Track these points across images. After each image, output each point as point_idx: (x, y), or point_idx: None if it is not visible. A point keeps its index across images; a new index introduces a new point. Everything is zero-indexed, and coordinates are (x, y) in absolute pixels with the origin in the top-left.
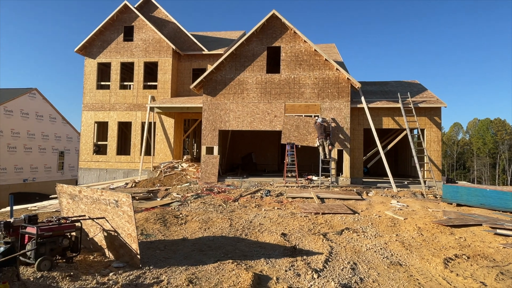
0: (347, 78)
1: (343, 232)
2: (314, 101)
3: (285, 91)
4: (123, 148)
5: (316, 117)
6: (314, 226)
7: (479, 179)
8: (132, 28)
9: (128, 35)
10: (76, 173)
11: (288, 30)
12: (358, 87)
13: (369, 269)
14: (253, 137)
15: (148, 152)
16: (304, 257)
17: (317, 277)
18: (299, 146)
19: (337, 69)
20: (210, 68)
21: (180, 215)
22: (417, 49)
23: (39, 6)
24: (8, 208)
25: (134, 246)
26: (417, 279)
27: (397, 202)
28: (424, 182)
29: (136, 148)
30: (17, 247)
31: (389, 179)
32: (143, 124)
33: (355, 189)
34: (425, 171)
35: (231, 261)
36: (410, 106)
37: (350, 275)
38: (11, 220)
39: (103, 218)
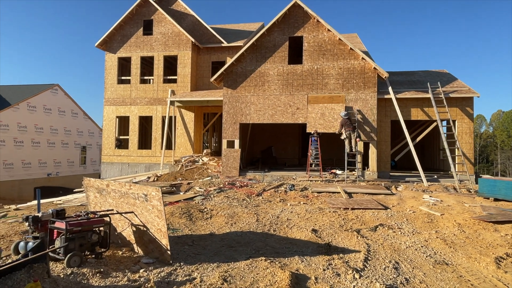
0: (374, 68)
1: (377, 228)
2: (338, 92)
3: (307, 82)
4: (144, 142)
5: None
6: (345, 222)
7: (503, 173)
8: (152, 22)
9: (148, 29)
10: (98, 167)
11: (310, 19)
12: (385, 77)
13: (413, 268)
14: (273, 130)
15: (168, 146)
16: (341, 255)
17: (359, 277)
18: (317, 137)
19: (363, 58)
20: (229, 60)
21: (205, 210)
22: (437, 39)
23: (59, 3)
24: (34, 202)
25: (164, 242)
26: (469, 280)
27: (430, 196)
28: (457, 175)
29: (157, 142)
30: (47, 243)
31: (417, 173)
32: (163, 118)
33: (383, 184)
34: (457, 164)
35: (263, 258)
36: (440, 96)
37: (394, 275)
38: (39, 215)
39: (132, 212)
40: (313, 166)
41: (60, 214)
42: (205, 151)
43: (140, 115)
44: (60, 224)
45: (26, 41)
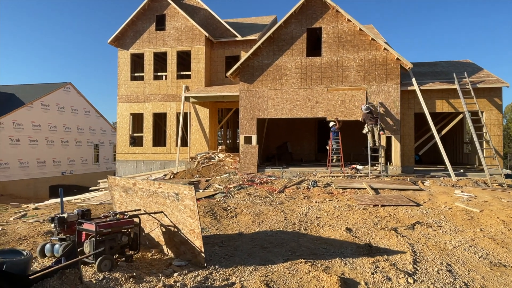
0: (396, 59)
1: (415, 226)
2: (359, 84)
3: (327, 75)
4: (158, 139)
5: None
6: (379, 220)
7: None
8: (164, 17)
9: (160, 24)
10: (111, 165)
11: (329, 9)
12: (409, 68)
13: (468, 271)
14: (288, 125)
15: (183, 143)
16: (385, 256)
17: (413, 282)
18: (338, 130)
19: (385, 49)
20: (243, 55)
21: (228, 208)
22: (456, 29)
23: (70, 1)
24: (52, 201)
25: (198, 244)
26: None
27: (462, 192)
28: (482, 169)
29: (171, 139)
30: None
31: (442, 167)
32: (177, 114)
33: (408, 179)
34: (486, 158)
35: (303, 260)
36: (467, 87)
37: (451, 279)
38: (65, 216)
39: (161, 212)
40: (333, 161)
41: (86, 214)
42: (219, 147)
43: (154, 112)
44: (89, 226)
45: (37, 40)
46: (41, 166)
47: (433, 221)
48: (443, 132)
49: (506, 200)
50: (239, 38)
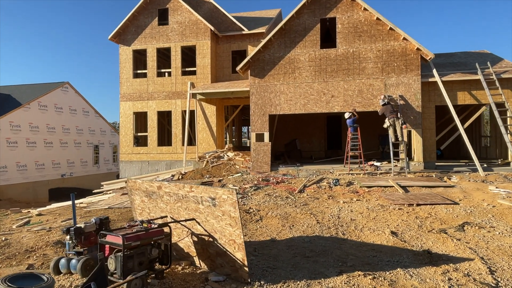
0: (417, 49)
1: (464, 228)
2: (377, 76)
3: (342, 67)
4: (163, 138)
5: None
6: (421, 221)
7: None
8: (167, 11)
9: (163, 19)
10: (112, 166)
11: None
12: (429, 58)
13: None
14: (296, 122)
15: (189, 142)
16: (452, 265)
17: None
18: (357, 125)
19: (404, 38)
20: (250, 49)
21: (251, 210)
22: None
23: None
24: (55, 205)
25: (239, 256)
26: None
27: (496, 188)
28: (509, 164)
29: (177, 138)
30: (105, 265)
31: (465, 162)
32: (183, 112)
33: (433, 175)
34: None
35: (360, 273)
36: (492, 77)
37: None
38: (82, 226)
39: (193, 219)
40: (353, 158)
41: (104, 223)
42: (227, 146)
43: (158, 110)
44: (115, 239)
45: (33, 39)
46: (40, 169)
47: (482, 221)
48: (466, 124)
49: None
50: (246, 31)
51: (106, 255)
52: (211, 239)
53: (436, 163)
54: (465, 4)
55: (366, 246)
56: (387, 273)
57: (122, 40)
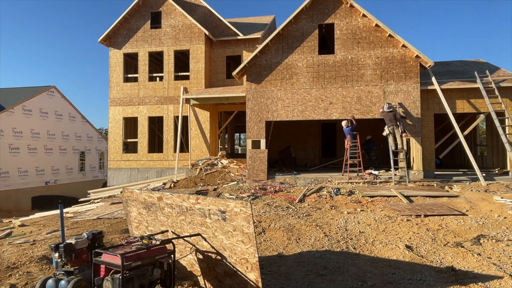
0: (416, 56)
1: (481, 241)
2: (376, 83)
3: (341, 74)
4: (154, 145)
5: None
6: (433, 233)
7: None
8: (160, 14)
9: (156, 22)
10: (98, 173)
11: (343, 3)
12: (429, 66)
13: None
14: (291, 129)
15: (181, 148)
16: (480, 283)
17: None
18: (356, 133)
19: (403, 45)
20: (246, 54)
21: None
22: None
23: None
24: (38, 215)
25: (253, 277)
26: None
27: (501, 198)
28: (507, 173)
29: (169, 145)
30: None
31: (463, 171)
32: (175, 118)
33: (434, 184)
34: None
35: None
36: (491, 85)
37: None
38: (73, 242)
39: (198, 234)
40: (351, 166)
41: (97, 239)
42: (220, 153)
43: (149, 115)
44: (112, 258)
45: (18, 41)
46: (23, 176)
47: (497, 233)
48: (465, 133)
49: None
50: (241, 36)
51: (102, 276)
52: (219, 257)
53: (436, 172)
54: (450, 13)
55: (382, 262)
56: None
57: (112, 43)
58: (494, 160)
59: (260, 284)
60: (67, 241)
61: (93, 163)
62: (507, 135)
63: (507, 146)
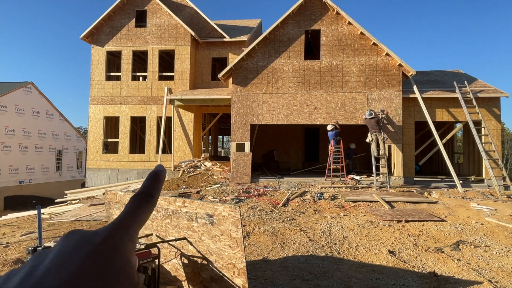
0: (399, 65)
1: (460, 246)
2: (359, 90)
3: (326, 79)
4: (134, 146)
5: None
6: (414, 239)
7: None
8: (145, 13)
9: (141, 21)
10: (75, 173)
11: (329, 10)
12: (411, 75)
13: None
14: (275, 133)
15: (164, 150)
16: None
17: None
18: (340, 138)
19: (387, 54)
20: (232, 57)
21: None
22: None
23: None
24: (10, 216)
25: (240, 282)
26: None
27: (478, 204)
28: (483, 180)
29: (151, 146)
30: None
31: (441, 178)
32: (158, 119)
33: (414, 190)
34: (492, 169)
35: None
36: (469, 96)
37: None
38: (52, 245)
39: (184, 238)
40: (335, 171)
41: None
42: (203, 155)
43: (132, 115)
44: None
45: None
46: None
47: (475, 239)
48: (443, 141)
49: None
50: (227, 39)
51: None
52: (205, 262)
53: (415, 178)
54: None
55: (366, 267)
56: None
57: (95, 40)
58: (470, 168)
59: None
60: (46, 244)
61: (71, 162)
62: (484, 144)
63: (483, 154)
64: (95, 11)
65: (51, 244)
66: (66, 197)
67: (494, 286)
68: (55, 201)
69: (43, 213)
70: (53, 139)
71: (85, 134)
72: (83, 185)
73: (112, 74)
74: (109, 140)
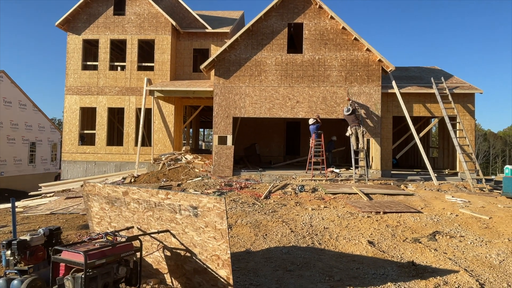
0: (378, 60)
1: (436, 237)
2: (340, 85)
3: (308, 73)
4: (112, 138)
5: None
6: (392, 230)
7: None
8: (124, 0)
9: (119, 9)
10: (50, 166)
11: (312, 4)
12: (390, 70)
13: None
14: (256, 126)
15: (143, 142)
16: (439, 277)
17: None
18: (321, 132)
19: (367, 49)
20: (214, 48)
21: None
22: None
23: None
24: None
25: (224, 273)
26: None
27: (452, 197)
28: (457, 174)
29: (129, 138)
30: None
31: (417, 171)
32: (137, 110)
33: (391, 183)
34: (466, 163)
35: None
36: (445, 91)
37: None
38: (28, 238)
39: (167, 231)
40: (316, 164)
41: (55, 235)
42: (184, 148)
43: (109, 106)
44: (74, 256)
45: None
46: None
47: (451, 230)
48: (420, 135)
49: (502, 206)
50: (209, 30)
51: (61, 274)
52: (188, 254)
53: (392, 172)
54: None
55: (346, 257)
56: (378, 287)
57: (71, 28)
58: (445, 162)
59: (231, 281)
60: (22, 238)
61: (45, 155)
62: (458, 139)
63: (457, 148)
64: None
65: (27, 238)
66: (40, 190)
67: (470, 274)
68: (29, 194)
69: (16, 207)
70: (26, 130)
71: (60, 125)
72: (57, 177)
73: (89, 63)
74: (85, 131)
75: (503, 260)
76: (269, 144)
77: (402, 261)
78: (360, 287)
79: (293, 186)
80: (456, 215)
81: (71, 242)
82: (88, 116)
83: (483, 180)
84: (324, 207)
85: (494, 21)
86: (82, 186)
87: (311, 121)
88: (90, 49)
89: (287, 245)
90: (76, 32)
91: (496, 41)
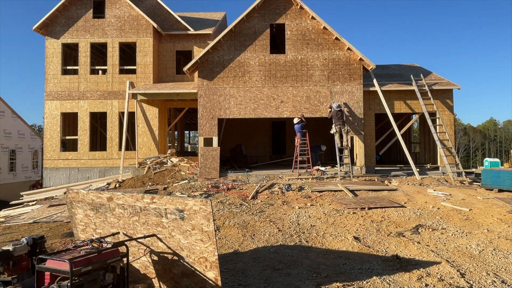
0: (359, 59)
1: (419, 230)
2: (323, 84)
3: (291, 73)
4: (95, 143)
5: (333, 103)
6: (377, 225)
7: None
8: (103, 3)
9: (99, 11)
10: (31, 174)
11: (293, 5)
12: (371, 69)
13: None
14: (242, 126)
15: (127, 146)
16: (422, 269)
17: None
18: (306, 131)
19: (348, 48)
20: (196, 50)
21: None
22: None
23: None
24: None
25: (212, 275)
26: None
27: (434, 191)
28: (438, 168)
29: (113, 143)
30: None
31: (400, 167)
32: (120, 114)
33: (375, 179)
34: (447, 157)
35: (339, 284)
36: (424, 88)
37: None
38: (10, 248)
39: (154, 235)
40: (300, 163)
41: (39, 244)
42: (169, 151)
43: (91, 111)
44: (59, 264)
45: None
46: None
47: (433, 223)
48: (401, 132)
49: (481, 197)
50: (192, 31)
51: (47, 283)
52: (176, 258)
53: (376, 168)
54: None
55: (333, 254)
56: (365, 282)
57: (49, 32)
58: (426, 156)
59: (219, 282)
60: (4, 248)
61: (26, 162)
62: (438, 134)
63: (438, 143)
64: (49, 0)
65: (10, 248)
66: (22, 199)
67: (451, 265)
68: (10, 203)
69: None
70: (5, 138)
71: (41, 132)
72: (34, 186)
73: (69, 67)
74: (67, 137)
75: (483, 250)
76: (255, 145)
77: (387, 255)
78: (347, 282)
79: (280, 186)
80: (438, 208)
81: (56, 251)
82: (69, 121)
83: (463, 173)
84: (311, 205)
85: (476, 19)
86: (65, 193)
87: (295, 121)
88: (70, 53)
89: (275, 244)
90: (55, 36)
91: (474, 39)
